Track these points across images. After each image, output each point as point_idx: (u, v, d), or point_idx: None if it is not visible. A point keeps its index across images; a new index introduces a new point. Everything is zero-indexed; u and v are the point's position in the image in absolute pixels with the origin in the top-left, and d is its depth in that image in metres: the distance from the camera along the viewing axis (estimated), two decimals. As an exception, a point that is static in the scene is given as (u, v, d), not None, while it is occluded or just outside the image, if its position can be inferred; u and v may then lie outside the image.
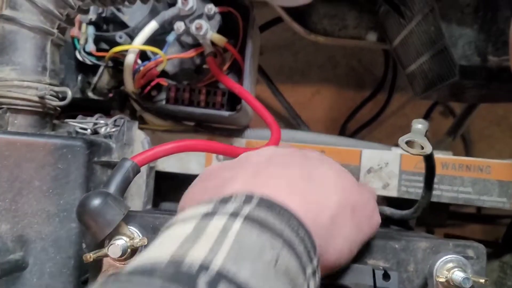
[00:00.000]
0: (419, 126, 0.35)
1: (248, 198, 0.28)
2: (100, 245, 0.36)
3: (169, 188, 0.67)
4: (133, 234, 0.36)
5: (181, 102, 0.61)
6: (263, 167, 0.32)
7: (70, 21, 0.49)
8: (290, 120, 0.85)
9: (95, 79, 0.65)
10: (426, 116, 1.04)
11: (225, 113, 0.59)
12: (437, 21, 0.57)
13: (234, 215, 0.26)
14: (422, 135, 0.35)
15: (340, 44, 0.81)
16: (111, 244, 0.34)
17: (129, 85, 0.60)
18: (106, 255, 0.35)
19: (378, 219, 0.36)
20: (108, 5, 0.48)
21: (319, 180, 0.32)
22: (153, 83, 0.63)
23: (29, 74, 0.45)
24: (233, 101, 0.62)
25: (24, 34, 0.45)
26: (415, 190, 0.55)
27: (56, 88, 0.46)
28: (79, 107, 0.60)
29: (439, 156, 0.58)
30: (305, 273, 0.26)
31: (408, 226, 0.59)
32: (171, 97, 0.61)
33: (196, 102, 0.61)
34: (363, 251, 0.38)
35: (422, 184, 0.44)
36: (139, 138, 0.52)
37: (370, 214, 0.35)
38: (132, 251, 0.35)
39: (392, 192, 0.56)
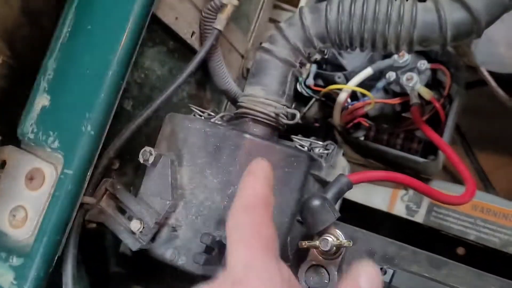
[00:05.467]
0: None
1: None
2: (309, 238, 0.44)
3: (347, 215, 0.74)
4: (339, 236, 0.43)
5: (379, 142, 0.68)
6: None
7: (309, 58, 0.60)
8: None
9: (305, 108, 0.76)
10: None
11: (420, 159, 0.64)
12: None
13: None
14: None
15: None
16: (323, 239, 0.42)
17: (337, 119, 0.69)
18: (316, 247, 0.42)
19: None
20: (343, 49, 0.57)
21: None
22: (356, 121, 0.71)
23: (272, 95, 0.57)
24: (426, 150, 0.67)
25: (275, 63, 0.57)
26: None
27: (289, 110, 0.57)
28: (288, 128, 0.71)
29: None
30: None
31: None
32: (370, 136, 0.69)
33: (392, 144, 0.67)
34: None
35: None
36: (342, 164, 0.59)
37: None
38: (336, 250, 0.42)
39: None
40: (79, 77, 0.41)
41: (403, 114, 0.73)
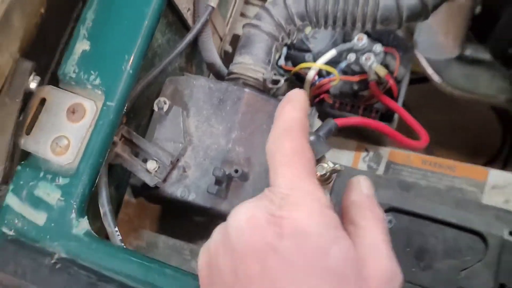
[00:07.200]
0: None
1: None
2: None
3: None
4: (331, 164, 0.52)
5: (343, 112, 0.79)
6: None
7: (289, 35, 0.70)
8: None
9: (278, 85, 0.86)
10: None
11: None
12: None
13: None
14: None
15: (474, 99, 0.94)
16: (319, 165, 0.51)
17: (307, 94, 0.80)
18: (314, 173, 0.51)
19: None
20: (318, 27, 0.68)
21: None
22: (321, 97, 0.82)
23: (260, 63, 0.66)
24: (383, 119, 0.79)
25: (261, 36, 0.66)
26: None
27: (274, 76, 0.66)
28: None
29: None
30: None
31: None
32: (335, 108, 0.80)
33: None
34: None
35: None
36: (317, 125, 0.69)
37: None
38: (328, 176, 0.52)
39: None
40: (118, 27, 0.47)
41: (360, 93, 0.85)
